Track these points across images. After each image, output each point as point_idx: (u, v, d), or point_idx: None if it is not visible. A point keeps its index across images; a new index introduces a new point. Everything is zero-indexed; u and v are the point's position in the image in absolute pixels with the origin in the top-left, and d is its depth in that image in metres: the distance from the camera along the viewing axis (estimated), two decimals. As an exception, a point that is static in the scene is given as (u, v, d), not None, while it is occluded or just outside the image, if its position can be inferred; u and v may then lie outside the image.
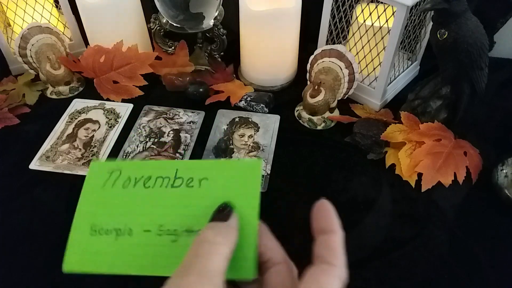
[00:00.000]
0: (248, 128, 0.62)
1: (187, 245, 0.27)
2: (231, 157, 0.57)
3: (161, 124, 0.63)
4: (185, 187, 0.31)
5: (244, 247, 0.28)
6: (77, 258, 0.31)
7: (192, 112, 0.65)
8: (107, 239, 0.30)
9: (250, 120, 0.63)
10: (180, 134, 0.62)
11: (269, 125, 0.63)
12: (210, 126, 0.63)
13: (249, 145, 0.59)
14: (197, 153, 0.59)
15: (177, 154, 0.59)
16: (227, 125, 0.63)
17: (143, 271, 0.29)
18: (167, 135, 0.61)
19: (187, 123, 0.63)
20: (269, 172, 0.56)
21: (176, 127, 0.63)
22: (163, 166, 0.32)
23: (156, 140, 0.61)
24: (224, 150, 0.59)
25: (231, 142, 0.60)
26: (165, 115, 0.64)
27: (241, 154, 0.58)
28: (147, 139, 0.61)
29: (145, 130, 0.62)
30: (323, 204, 0.28)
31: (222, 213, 0.28)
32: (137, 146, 0.60)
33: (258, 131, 0.61)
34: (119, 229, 0.30)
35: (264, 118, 0.64)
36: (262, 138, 0.60)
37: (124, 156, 0.58)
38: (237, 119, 0.63)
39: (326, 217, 0.27)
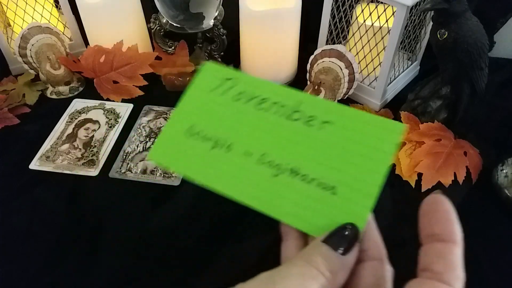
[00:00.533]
0: None
1: (288, 185, 0.26)
2: None
3: (161, 124, 0.63)
4: (303, 124, 0.27)
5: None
6: (164, 152, 0.29)
7: None
8: (202, 145, 0.28)
9: None
10: None
11: None
12: None
13: None
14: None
15: None
16: None
17: (230, 191, 0.27)
18: None
19: None
20: None
21: None
22: (284, 93, 0.29)
23: (156, 140, 0.60)
24: None
25: None
26: (165, 115, 0.64)
27: None
28: (147, 139, 0.61)
29: (145, 130, 0.62)
30: (441, 202, 0.23)
31: (344, 240, 0.23)
32: (137, 146, 0.60)
33: None
34: (218, 140, 0.28)
35: None
36: None
37: (124, 156, 0.58)
38: None
39: (445, 220, 0.22)
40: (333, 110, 0.27)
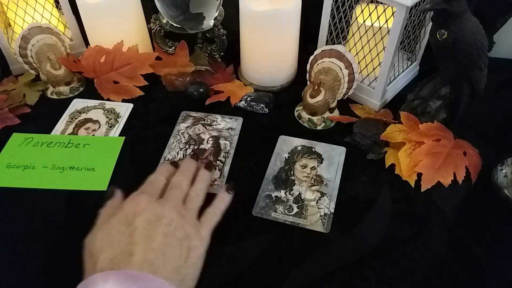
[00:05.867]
0: (311, 159, 0.58)
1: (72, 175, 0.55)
2: (292, 189, 0.54)
3: (199, 130, 0.62)
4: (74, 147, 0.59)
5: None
6: None
7: (230, 118, 0.64)
8: (17, 170, 0.56)
9: (313, 150, 0.59)
10: (220, 141, 0.60)
11: (334, 157, 0.58)
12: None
13: (312, 177, 0.55)
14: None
15: (218, 162, 0.57)
16: (288, 153, 0.59)
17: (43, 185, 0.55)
18: (207, 142, 0.60)
19: (226, 129, 0.62)
20: (332, 210, 0.52)
21: (215, 133, 0.61)
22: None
23: (196, 147, 0.60)
24: (284, 181, 0.55)
25: (292, 173, 0.56)
26: (203, 121, 0.63)
27: (302, 187, 0.54)
28: (187, 146, 0.60)
29: (184, 137, 0.61)
30: None
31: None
32: (177, 153, 0.59)
33: (321, 163, 0.57)
34: (26, 166, 0.56)
35: (328, 150, 0.59)
36: (326, 171, 0.56)
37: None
38: (299, 148, 0.60)
39: None
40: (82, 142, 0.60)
